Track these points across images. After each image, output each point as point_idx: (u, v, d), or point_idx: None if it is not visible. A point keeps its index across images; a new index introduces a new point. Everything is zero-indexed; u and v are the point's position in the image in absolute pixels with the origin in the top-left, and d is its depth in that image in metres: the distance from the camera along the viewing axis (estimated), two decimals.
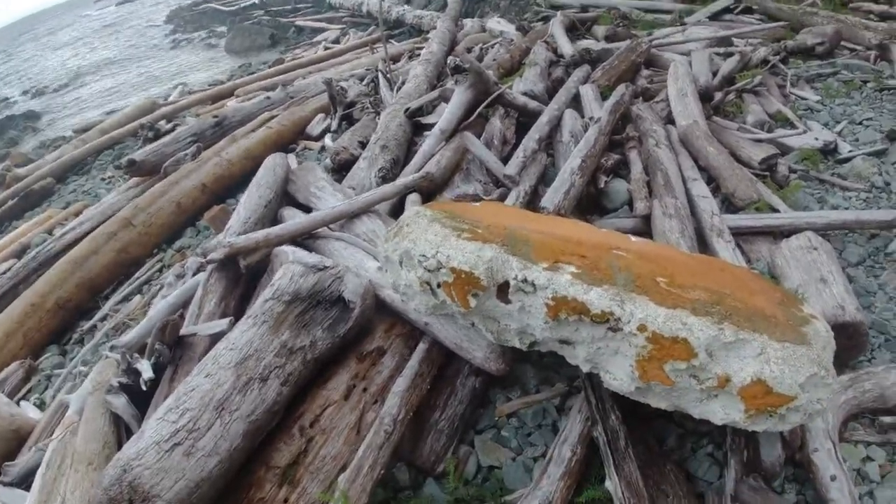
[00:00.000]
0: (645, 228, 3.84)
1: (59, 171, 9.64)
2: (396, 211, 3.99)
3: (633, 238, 2.89)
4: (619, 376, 2.15)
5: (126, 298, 5.27)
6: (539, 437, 2.72)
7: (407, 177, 3.95)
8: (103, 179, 8.96)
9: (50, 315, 5.04)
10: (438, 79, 7.04)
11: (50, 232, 7.19)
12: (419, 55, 8.76)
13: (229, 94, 11.31)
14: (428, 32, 11.85)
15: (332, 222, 3.58)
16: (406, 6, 15.67)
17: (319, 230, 3.57)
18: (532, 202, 3.91)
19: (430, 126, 5.00)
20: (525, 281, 2.13)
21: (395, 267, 2.42)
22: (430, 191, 4.04)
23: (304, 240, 3.58)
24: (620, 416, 2.46)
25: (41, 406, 4.11)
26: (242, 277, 3.66)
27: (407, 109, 5.20)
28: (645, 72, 6.54)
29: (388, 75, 7.18)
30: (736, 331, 1.96)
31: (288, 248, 3.34)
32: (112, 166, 8.85)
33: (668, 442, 2.63)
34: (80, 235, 5.90)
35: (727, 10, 9.53)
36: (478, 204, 3.13)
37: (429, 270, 2.25)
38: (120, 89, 17.98)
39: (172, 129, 8.83)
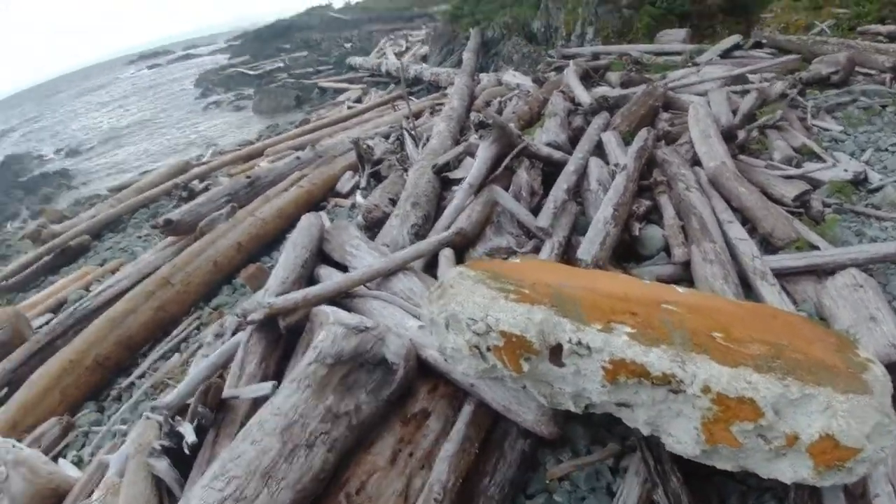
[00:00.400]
0: (685, 275, 3.72)
1: (95, 228, 9.78)
2: (430, 266, 3.93)
3: (679, 289, 2.78)
4: (683, 439, 2.01)
5: (164, 356, 5.21)
6: (594, 500, 2.54)
7: (440, 233, 3.90)
8: (139, 237, 9.04)
9: (88, 372, 4.99)
10: (461, 133, 7.10)
11: (87, 288, 7.22)
12: (440, 111, 8.88)
13: (259, 154, 11.54)
14: (446, 88, 12.07)
15: (369, 281, 3.52)
16: (423, 64, 16.07)
17: (357, 289, 3.50)
18: (566, 253, 3.82)
19: (457, 181, 4.99)
20: (580, 344, 2.02)
21: (441, 330, 2.32)
22: (462, 245, 3.98)
23: (341, 299, 3.51)
24: (681, 477, 2.30)
25: (79, 464, 4.02)
26: (282, 337, 3.59)
27: (434, 166, 5.21)
28: (664, 115, 6.52)
29: (413, 132, 7.25)
30: (801, 386, 1.86)
31: (327, 309, 3.27)
32: (148, 225, 8.94)
33: (731, 500, 2.45)
34: (118, 293, 5.90)
35: (737, 46, 9.57)
36: (517, 260, 3.05)
37: (478, 334, 2.15)
38: (153, 150, 18.47)
39: (206, 189, 8.99)
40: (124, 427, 4.18)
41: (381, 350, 2.78)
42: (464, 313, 2.18)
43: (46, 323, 6.18)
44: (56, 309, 6.90)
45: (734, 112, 5.96)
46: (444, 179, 5.28)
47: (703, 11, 11.72)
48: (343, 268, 3.96)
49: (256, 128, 16.80)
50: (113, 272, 7.31)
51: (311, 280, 3.96)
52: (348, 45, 26.32)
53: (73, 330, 5.47)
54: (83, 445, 4.34)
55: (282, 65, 24.92)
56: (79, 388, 4.91)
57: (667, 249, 4.05)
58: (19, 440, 3.85)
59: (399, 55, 19.50)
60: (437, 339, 2.39)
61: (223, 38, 52.79)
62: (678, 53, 10.00)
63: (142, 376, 5.02)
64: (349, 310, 3.33)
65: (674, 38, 10.97)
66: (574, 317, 2.10)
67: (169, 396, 3.37)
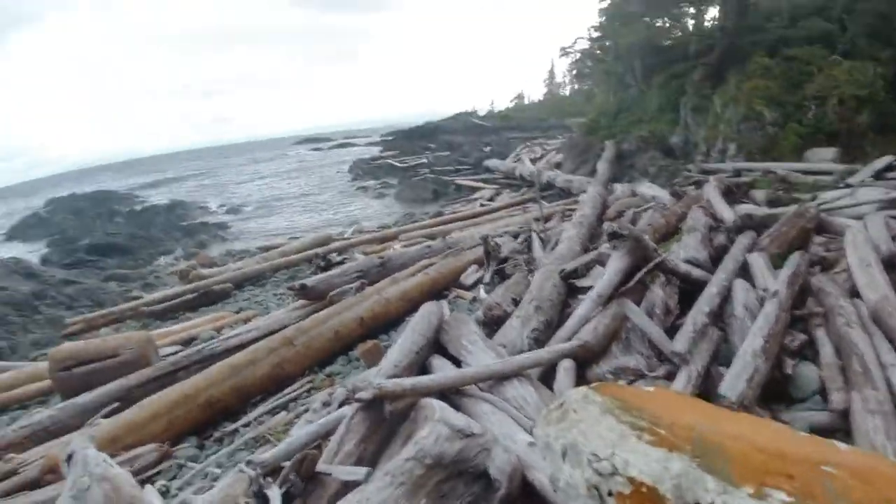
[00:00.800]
0: (842, 425, 3.12)
1: (238, 278, 10.55)
2: (547, 374, 3.62)
3: (841, 446, 2.25)
4: None
5: (272, 411, 5.20)
6: None
7: (562, 342, 3.60)
8: (275, 295, 9.57)
9: (199, 409, 5.06)
10: (591, 241, 6.86)
11: (218, 331, 7.59)
12: (570, 216, 8.72)
13: (393, 237, 12.05)
14: (577, 195, 11.97)
15: (482, 381, 3.28)
16: (556, 171, 16.21)
17: (467, 387, 3.27)
18: (705, 384, 3.35)
19: (584, 289, 4.69)
20: None
21: (556, 458, 2.01)
22: (585, 359, 3.64)
23: (450, 394, 3.30)
24: None
25: (164, 494, 3.93)
26: (385, 421, 3.42)
27: (562, 271, 4.97)
28: (817, 238, 5.80)
29: (542, 235, 7.13)
30: None
31: (435, 403, 3.05)
32: (285, 285, 9.40)
33: None
34: (245, 342, 6.09)
35: (890, 167, 8.59)
36: (651, 390, 2.68)
37: (600, 474, 1.81)
38: (302, 221, 20.05)
39: (342, 262, 9.38)
40: (218, 471, 4.14)
41: (484, 461, 2.49)
42: (586, 446, 1.86)
43: (174, 353, 6.45)
44: (186, 343, 7.30)
45: (894, 238, 5.20)
46: (570, 286, 5.00)
47: (853, 130, 10.83)
48: (456, 361, 3.77)
49: (395, 213, 17.73)
50: (245, 321, 7.69)
51: (423, 368, 3.81)
52: (487, 149, 27.51)
53: (197, 366, 5.66)
54: (174, 477, 4.32)
55: (425, 161, 26.44)
56: (186, 422, 4.97)
57: (822, 392, 3.44)
58: (113, 456, 3.78)
59: (534, 161, 19.96)
60: (550, 467, 2.07)
61: (378, 133, 57.84)
62: (828, 173, 9.14)
63: (247, 425, 5.02)
64: (457, 408, 3.09)
65: (823, 157, 10.09)
66: (720, 474, 1.72)
67: (266, 455, 3.29)
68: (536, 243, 7.04)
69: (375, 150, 37.53)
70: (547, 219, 9.87)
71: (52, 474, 4.10)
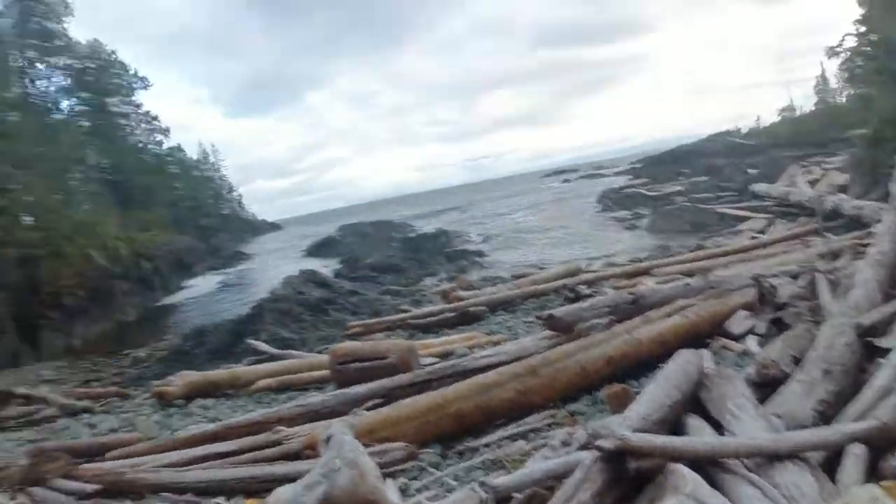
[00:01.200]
0: None
1: (492, 303, 11.14)
2: (830, 460, 2.87)
3: None
4: None
5: (512, 437, 5.20)
6: None
7: (853, 421, 2.83)
8: (525, 322, 9.77)
9: (447, 419, 5.26)
10: (892, 286, 5.36)
11: (471, 349, 7.99)
12: (864, 253, 6.99)
13: (644, 272, 11.32)
14: (871, 226, 9.63)
15: (747, 457, 2.76)
16: (841, 195, 13.31)
17: (728, 462, 2.80)
18: None
19: (885, 351, 3.66)
20: None
21: None
22: (882, 445, 2.78)
23: (706, 465, 2.85)
24: None
25: (403, 492, 4.15)
26: (628, 478, 3.13)
27: (858, 326, 3.97)
28: None
29: (830, 276, 5.83)
30: None
31: (687, 473, 2.66)
32: (534, 314, 9.50)
33: None
34: (493, 364, 6.23)
35: None
36: None
37: None
38: (551, 252, 20.35)
39: (590, 296, 9.13)
40: (454, 483, 4.24)
41: None
42: None
43: (431, 364, 6.98)
44: (443, 356, 7.88)
45: None
46: (867, 346, 3.97)
47: None
48: (717, 425, 3.26)
49: (647, 246, 16.73)
50: (494, 344, 7.97)
51: (676, 426, 3.38)
52: (752, 172, 24.14)
53: (449, 379, 5.97)
54: (415, 478, 4.52)
55: (680, 188, 24.51)
56: (435, 428, 5.22)
57: None
58: (367, 446, 4.01)
59: (811, 183, 16.78)
60: None
61: (627, 161, 55.88)
62: None
63: (487, 445, 5.09)
64: (714, 484, 2.66)
65: None
66: None
67: (499, 480, 3.30)
68: (823, 286, 5.70)
69: (624, 180, 36.19)
70: (835, 255, 8.08)
71: (311, 450, 4.61)
